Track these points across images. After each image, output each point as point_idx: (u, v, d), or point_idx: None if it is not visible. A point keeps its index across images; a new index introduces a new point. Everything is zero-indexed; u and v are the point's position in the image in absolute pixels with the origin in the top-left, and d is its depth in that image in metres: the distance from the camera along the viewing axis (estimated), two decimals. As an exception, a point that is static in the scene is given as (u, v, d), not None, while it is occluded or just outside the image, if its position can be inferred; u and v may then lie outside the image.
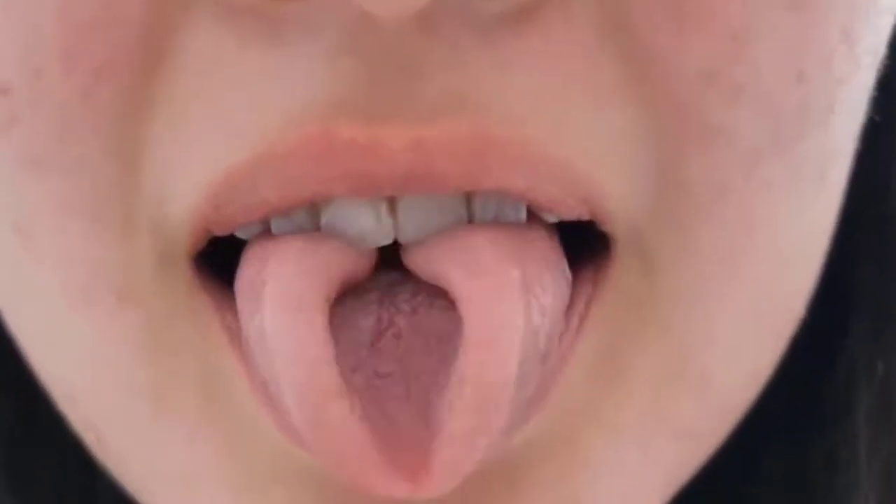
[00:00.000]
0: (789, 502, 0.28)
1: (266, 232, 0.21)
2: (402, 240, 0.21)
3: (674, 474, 0.24)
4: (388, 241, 0.21)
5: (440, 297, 0.21)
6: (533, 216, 0.21)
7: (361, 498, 0.20)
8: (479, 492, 0.21)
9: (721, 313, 0.22)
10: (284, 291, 0.20)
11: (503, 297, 0.20)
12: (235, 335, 0.21)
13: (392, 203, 0.21)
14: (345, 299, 0.21)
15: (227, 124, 0.19)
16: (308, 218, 0.21)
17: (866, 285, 0.28)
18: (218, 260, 0.22)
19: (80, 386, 0.23)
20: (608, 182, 0.20)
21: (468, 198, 0.21)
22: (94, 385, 0.22)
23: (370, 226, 0.21)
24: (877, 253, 0.28)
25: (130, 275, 0.21)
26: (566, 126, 0.20)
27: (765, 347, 0.24)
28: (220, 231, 0.21)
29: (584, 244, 0.22)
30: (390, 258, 0.22)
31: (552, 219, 0.21)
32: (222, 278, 0.22)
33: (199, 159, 0.20)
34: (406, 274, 0.21)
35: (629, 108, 0.20)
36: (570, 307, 0.21)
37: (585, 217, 0.21)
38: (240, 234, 0.21)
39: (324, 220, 0.21)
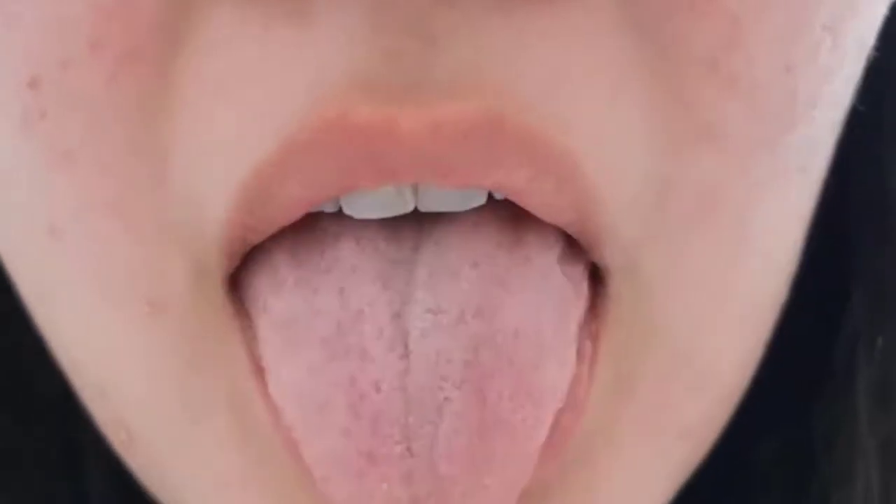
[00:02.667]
0: (790, 478, 0.29)
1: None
2: (421, 209, 0.21)
3: (679, 471, 0.24)
4: (408, 210, 0.21)
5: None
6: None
7: None
8: None
9: (713, 314, 0.23)
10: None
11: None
12: (259, 368, 0.22)
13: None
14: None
15: (251, 116, 0.20)
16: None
17: (865, 262, 0.28)
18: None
19: (112, 382, 0.23)
20: (609, 183, 0.21)
21: None
22: (126, 384, 0.23)
23: (391, 197, 0.21)
24: (875, 230, 0.28)
25: (163, 284, 0.21)
26: (577, 115, 0.20)
27: (754, 337, 0.24)
28: (256, 236, 0.21)
29: None
30: None
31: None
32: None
33: (226, 157, 0.20)
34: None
35: (638, 103, 0.20)
36: (579, 354, 0.22)
37: (575, 229, 0.21)
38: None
39: (343, 197, 0.21)
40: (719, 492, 0.29)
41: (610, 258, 0.21)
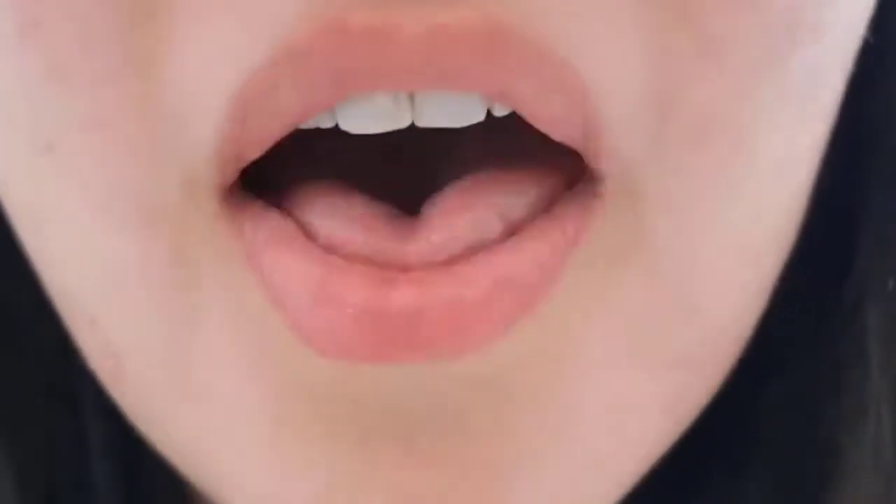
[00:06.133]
0: (799, 422, 0.29)
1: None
2: (419, 124, 0.21)
3: (675, 405, 0.24)
4: (405, 124, 0.21)
5: None
6: None
7: (390, 423, 0.21)
8: (467, 397, 0.21)
9: (710, 242, 0.22)
10: None
11: None
12: (252, 248, 0.21)
13: (410, 94, 0.21)
14: None
15: (245, 24, 0.19)
16: (327, 114, 0.21)
17: (874, 204, 0.28)
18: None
19: (103, 306, 0.23)
20: (611, 102, 0.20)
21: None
22: (118, 305, 0.22)
23: (387, 108, 0.21)
24: (884, 172, 0.28)
25: (156, 197, 0.21)
26: (579, 31, 0.20)
27: (757, 275, 0.24)
28: (248, 152, 0.21)
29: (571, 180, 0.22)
30: None
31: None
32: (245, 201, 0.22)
33: (220, 67, 0.20)
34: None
35: (640, 20, 0.20)
36: (559, 220, 0.21)
37: (579, 145, 0.21)
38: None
39: (340, 107, 0.21)
40: (726, 435, 0.29)
41: (607, 168, 0.21)
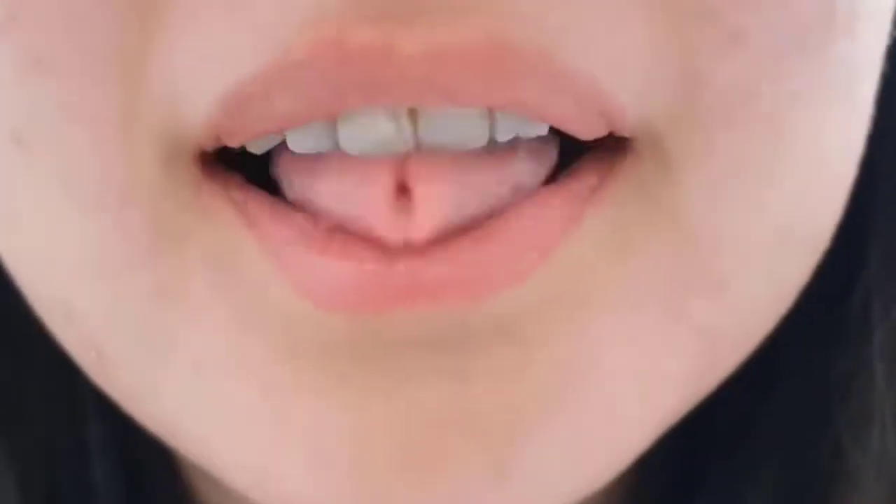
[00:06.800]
0: (804, 427, 0.28)
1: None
2: (422, 148, 0.21)
3: (693, 375, 0.23)
4: (407, 147, 0.21)
5: None
6: None
7: (395, 374, 0.21)
8: (476, 345, 0.21)
9: (741, 218, 0.21)
10: None
11: None
12: (243, 207, 0.21)
13: (412, 113, 0.20)
14: None
15: (245, 28, 0.19)
16: (325, 130, 0.21)
17: (883, 216, 0.27)
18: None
19: (80, 298, 0.22)
20: (627, 95, 0.20)
21: (490, 112, 0.21)
22: (96, 293, 0.22)
23: (390, 132, 0.20)
24: (892, 188, 0.27)
25: (132, 177, 0.20)
26: (584, 35, 0.19)
27: (789, 262, 0.23)
28: (233, 142, 0.20)
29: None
30: None
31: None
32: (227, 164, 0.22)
33: (214, 67, 0.19)
34: None
35: (648, 15, 0.19)
36: (580, 176, 0.21)
37: (603, 133, 0.20)
38: (251, 149, 0.21)
39: (341, 129, 0.20)
40: (730, 439, 0.29)
41: (636, 138, 0.21)
